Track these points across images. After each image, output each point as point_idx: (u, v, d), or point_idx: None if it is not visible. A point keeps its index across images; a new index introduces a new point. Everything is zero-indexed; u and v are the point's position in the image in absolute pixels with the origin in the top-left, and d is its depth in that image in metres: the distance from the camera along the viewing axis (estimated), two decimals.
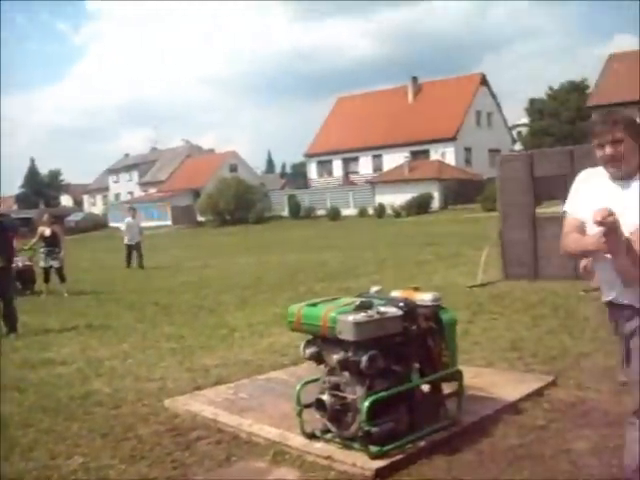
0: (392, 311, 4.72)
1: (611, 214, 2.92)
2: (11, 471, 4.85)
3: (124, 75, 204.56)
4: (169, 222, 58.71)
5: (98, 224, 64.08)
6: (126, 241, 22.49)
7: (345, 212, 49.26)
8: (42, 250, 15.86)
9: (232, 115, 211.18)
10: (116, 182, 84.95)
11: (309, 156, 64.09)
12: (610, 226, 2.95)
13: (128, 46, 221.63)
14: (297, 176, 77.04)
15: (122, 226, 23.96)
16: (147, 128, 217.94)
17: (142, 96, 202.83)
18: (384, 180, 50.40)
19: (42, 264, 15.87)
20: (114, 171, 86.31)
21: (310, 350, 4.85)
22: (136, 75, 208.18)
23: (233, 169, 68.52)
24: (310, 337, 4.90)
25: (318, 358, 4.87)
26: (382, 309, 4.69)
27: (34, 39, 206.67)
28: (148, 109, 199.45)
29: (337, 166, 61.32)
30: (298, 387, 5.05)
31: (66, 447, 5.27)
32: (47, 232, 15.90)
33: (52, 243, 15.82)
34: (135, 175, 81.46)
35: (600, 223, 2.93)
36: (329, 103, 68.11)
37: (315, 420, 4.95)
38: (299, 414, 5.00)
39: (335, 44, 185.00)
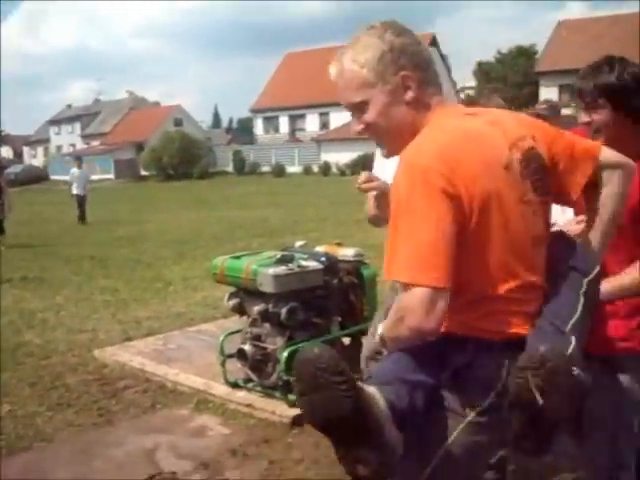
0: (313, 265, 4.90)
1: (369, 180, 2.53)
2: None
3: (69, 23, 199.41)
4: (112, 176, 57.89)
5: (39, 177, 62.75)
6: (74, 191, 21.46)
7: (290, 169, 49.20)
8: None
9: (179, 68, 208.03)
10: (58, 134, 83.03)
11: (255, 112, 63.58)
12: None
13: None
14: (243, 131, 76.48)
15: (68, 177, 22.80)
16: (91, 79, 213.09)
17: (87, 46, 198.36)
18: (330, 138, 50.36)
19: None
20: (56, 122, 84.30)
21: (233, 301, 5.02)
22: (82, 24, 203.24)
23: (178, 123, 67.59)
24: (233, 289, 5.06)
25: (240, 310, 5.04)
26: (303, 263, 4.86)
27: None
28: (92, 60, 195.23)
29: (283, 122, 61.02)
30: (221, 338, 5.22)
31: None
32: None
33: None
34: (77, 127, 79.69)
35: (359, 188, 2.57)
36: (277, 59, 67.48)
37: (238, 370, 5.14)
38: (222, 364, 5.18)
39: None
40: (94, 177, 52.36)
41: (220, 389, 5.17)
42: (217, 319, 7.47)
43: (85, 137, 77.36)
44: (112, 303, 8.64)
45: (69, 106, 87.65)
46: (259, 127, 63.35)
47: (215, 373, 5.36)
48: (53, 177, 58.62)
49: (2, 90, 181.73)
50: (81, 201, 21.28)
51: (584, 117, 2.55)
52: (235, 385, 5.16)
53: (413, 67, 1.88)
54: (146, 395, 5.31)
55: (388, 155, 2.00)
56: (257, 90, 64.59)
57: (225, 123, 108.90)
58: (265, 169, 50.18)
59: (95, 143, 72.51)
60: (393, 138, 1.94)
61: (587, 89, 2.52)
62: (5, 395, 5.39)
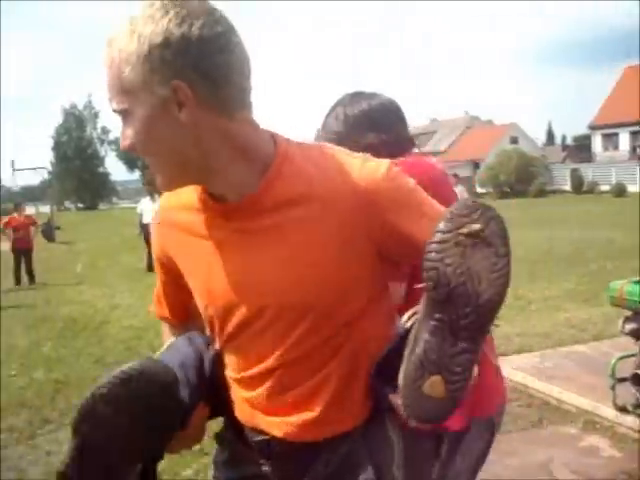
0: None
1: None
2: None
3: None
4: None
5: None
6: None
7: (632, 189, 46.56)
8: None
9: (511, 85, 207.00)
10: None
11: (593, 128, 61.16)
12: None
13: None
14: (579, 149, 73.89)
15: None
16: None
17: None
18: None
19: None
20: None
21: (630, 326, 5.00)
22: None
23: (514, 141, 67.34)
24: (630, 313, 5.05)
25: (638, 334, 5.01)
26: None
27: None
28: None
29: (624, 139, 57.95)
30: (614, 361, 5.22)
31: None
32: None
33: None
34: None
35: None
36: (613, 74, 64.27)
37: (626, 394, 5.12)
38: (612, 387, 5.18)
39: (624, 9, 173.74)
40: None
41: (608, 412, 5.19)
42: (587, 341, 7.42)
43: (423, 155, 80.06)
44: None
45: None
46: (597, 144, 60.83)
47: (599, 395, 5.38)
48: None
49: None
50: None
51: None
52: (624, 409, 5.14)
53: (199, 75, 1.32)
54: (531, 410, 5.50)
55: (160, 188, 1.50)
56: (590, 106, 62.10)
57: (558, 140, 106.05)
58: (604, 188, 48.02)
59: None
60: (164, 168, 1.44)
61: None
62: None
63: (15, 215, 16.41)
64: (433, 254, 1.30)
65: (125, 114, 1.37)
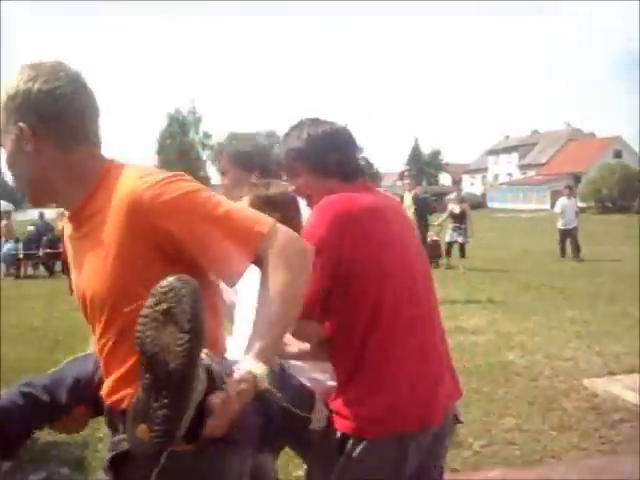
0: None
1: None
2: None
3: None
4: (547, 206, 57.93)
5: (477, 204, 65.28)
6: (560, 225, 19.25)
7: None
8: (449, 226, 17.42)
9: (612, 97, 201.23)
10: (495, 163, 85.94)
11: None
12: None
13: None
14: None
15: (557, 208, 20.50)
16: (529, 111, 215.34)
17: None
18: None
19: (447, 239, 17.43)
20: (494, 152, 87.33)
21: None
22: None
23: (617, 154, 65.34)
24: None
25: None
26: None
27: None
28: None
29: None
30: None
31: (497, 407, 5.86)
32: (456, 209, 17.37)
33: (460, 220, 17.22)
34: (515, 157, 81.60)
35: None
36: None
37: None
38: None
39: None
40: (529, 207, 52.92)
41: None
42: None
43: (522, 167, 78.77)
44: (584, 334, 8.73)
45: (507, 137, 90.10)
46: None
47: None
48: (491, 205, 60.60)
49: (444, 119, 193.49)
50: (566, 235, 19.11)
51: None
52: None
53: (38, 119, 1.78)
54: None
55: (30, 202, 1.97)
56: None
57: None
58: None
59: (531, 173, 73.42)
60: (25, 187, 1.89)
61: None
62: (507, 408, 5.84)
63: None
64: (140, 326, 1.59)
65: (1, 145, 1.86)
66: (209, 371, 1.65)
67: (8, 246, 18.76)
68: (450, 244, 17.46)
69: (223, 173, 3.32)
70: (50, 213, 19.14)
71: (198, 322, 1.56)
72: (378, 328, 2.31)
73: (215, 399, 1.62)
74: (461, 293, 12.33)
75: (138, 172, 1.80)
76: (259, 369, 1.68)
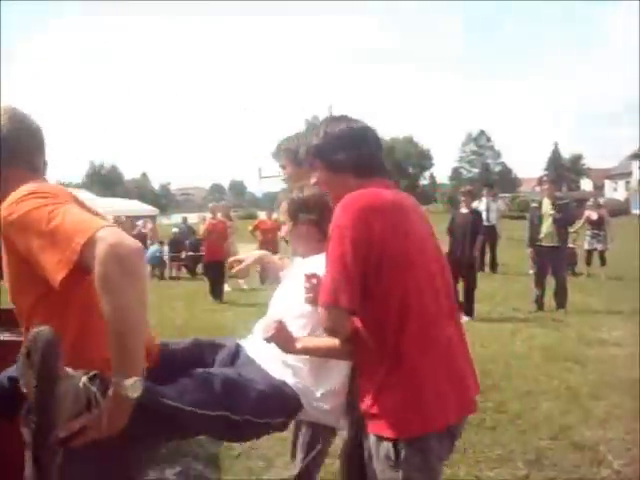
0: None
1: None
2: (589, 437, 5.35)
3: None
4: None
5: (619, 210, 62.58)
6: None
7: None
8: (587, 233, 16.84)
9: None
10: None
11: None
12: None
13: None
14: None
15: None
16: None
17: None
18: None
19: (586, 246, 16.83)
20: (638, 156, 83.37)
21: None
22: None
23: None
24: None
25: None
26: None
27: None
28: None
29: None
30: None
31: None
32: (594, 216, 16.75)
33: (598, 227, 16.63)
34: None
35: None
36: None
37: None
38: None
39: None
40: None
41: None
42: None
43: None
44: None
45: None
46: None
47: None
48: (635, 211, 57.94)
49: (585, 127, 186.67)
50: None
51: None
52: None
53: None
54: None
55: None
56: None
57: None
58: None
59: None
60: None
61: None
62: None
63: (265, 219, 17.39)
64: (18, 362, 1.94)
65: None
66: (85, 389, 1.98)
67: (153, 248, 19.49)
68: (589, 252, 16.86)
69: (283, 168, 3.65)
70: (192, 218, 19.86)
71: (46, 369, 1.86)
72: (409, 319, 2.32)
73: (83, 419, 1.98)
74: (602, 303, 11.90)
75: (18, 191, 2.11)
76: (126, 381, 1.94)
